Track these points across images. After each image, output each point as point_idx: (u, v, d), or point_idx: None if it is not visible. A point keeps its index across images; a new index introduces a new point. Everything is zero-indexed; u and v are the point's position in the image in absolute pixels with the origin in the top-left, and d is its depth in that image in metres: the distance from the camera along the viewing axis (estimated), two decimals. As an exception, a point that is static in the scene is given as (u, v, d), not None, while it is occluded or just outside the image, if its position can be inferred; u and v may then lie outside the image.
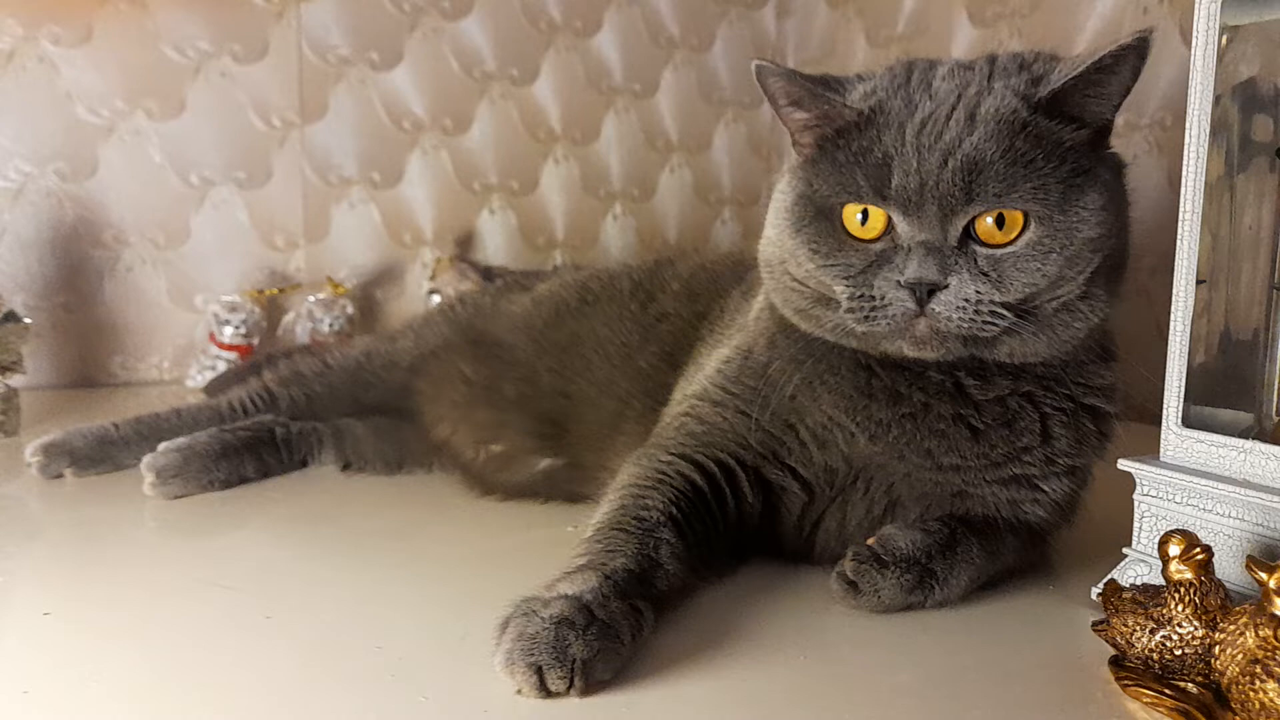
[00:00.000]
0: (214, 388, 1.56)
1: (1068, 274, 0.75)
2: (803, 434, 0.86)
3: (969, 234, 0.75)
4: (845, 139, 0.79)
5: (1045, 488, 0.84)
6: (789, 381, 0.85)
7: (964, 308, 0.74)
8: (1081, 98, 0.76)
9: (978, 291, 0.74)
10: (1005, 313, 0.74)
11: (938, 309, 0.74)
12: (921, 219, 0.75)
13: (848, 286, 0.78)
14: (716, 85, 2.28)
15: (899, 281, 0.75)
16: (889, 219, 0.77)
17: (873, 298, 0.76)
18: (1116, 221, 0.77)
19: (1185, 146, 0.76)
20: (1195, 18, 0.76)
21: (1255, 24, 0.77)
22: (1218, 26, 0.75)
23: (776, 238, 0.84)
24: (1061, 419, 0.82)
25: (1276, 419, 0.78)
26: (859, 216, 0.77)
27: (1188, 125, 0.76)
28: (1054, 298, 0.76)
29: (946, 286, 0.74)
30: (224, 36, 1.83)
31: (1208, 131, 0.75)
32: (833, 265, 0.78)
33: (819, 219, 0.80)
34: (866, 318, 0.77)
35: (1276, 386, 0.78)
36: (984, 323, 0.74)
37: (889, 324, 0.76)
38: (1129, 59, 0.75)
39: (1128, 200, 0.81)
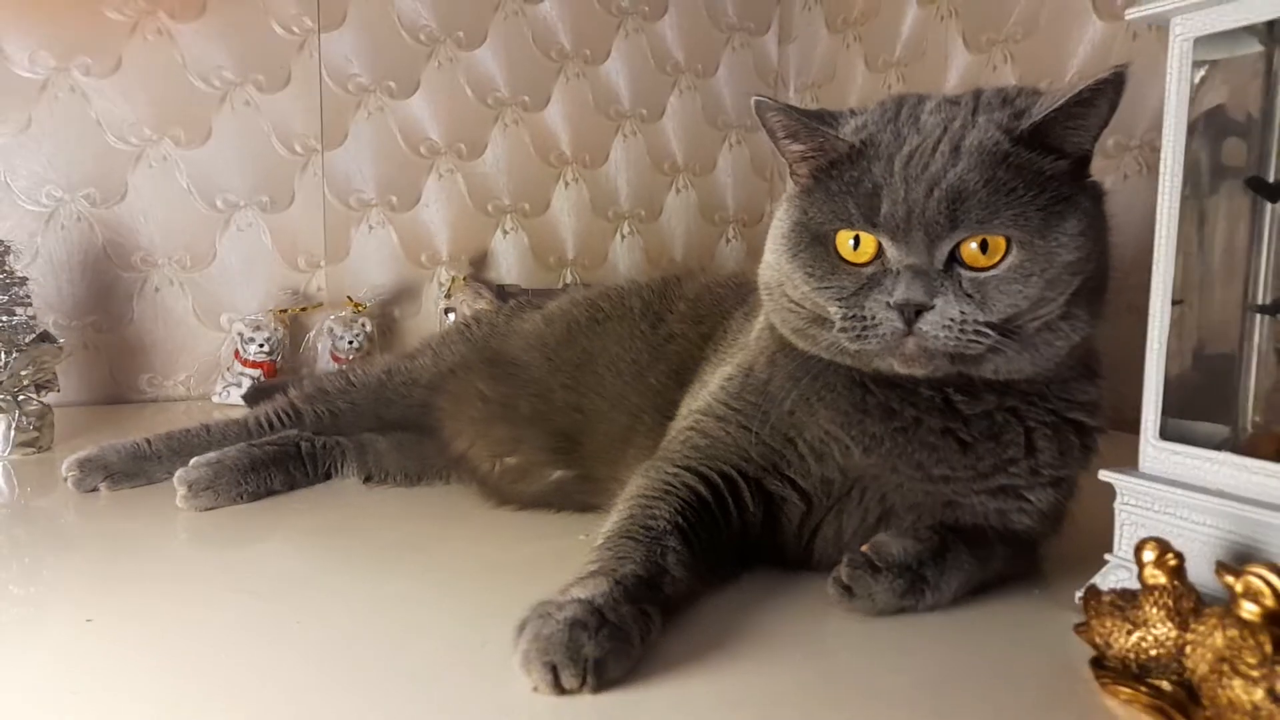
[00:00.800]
0: (252, 396, 1.62)
1: (1048, 295, 0.79)
2: (801, 447, 0.90)
3: (954, 258, 0.79)
4: (838, 170, 0.83)
5: (1031, 498, 0.88)
6: (787, 397, 0.90)
7: (949, 327, 0.78)
8: (1061, 130, 0.80)
9: (962, 312, 0.78)
10: (989, 332, 0.78)
11: (924, 328, 0.78)
12: (909, 244, 0.79)
13: (840, 307, 0.82)
14: (720, 109, 2.33)
15: (888, 303, 0.79)
16: (879, 244, 0.81)
17: (864, 318, 0.80)
18: (1095, 246, 0.81)
19: (1160, 174, 0.81)
20: (1169, 54, 0.80)
21: (1226, 59, 0.81)
22: (1190, 63, 0.79)
23: (775, 262, 0.89)
24: (1045, 433, 0.86)
25: (1251, 431, 0.82)
26: (851, 242, 0.82)
27: (1162, 154, 0.80)
28: (1035, 318, 0.80)
29: (933, 307, 0.78)
30: (248, 66, 1.90)
31: (1182, 160, 0.80)
32: (827, 288, 0.83)
33: (814, 244, 0.84)
34: (858, 336, 0.81)
35: (1251, 400, 0.83)
36: (969, 341, 0.78)
37: (879, 342, 0.80)
38: (1106, 93, 0.79)
39: (1107, 226, 0.85)
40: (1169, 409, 0.82)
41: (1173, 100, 0.80)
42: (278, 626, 0.82)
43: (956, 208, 0.78)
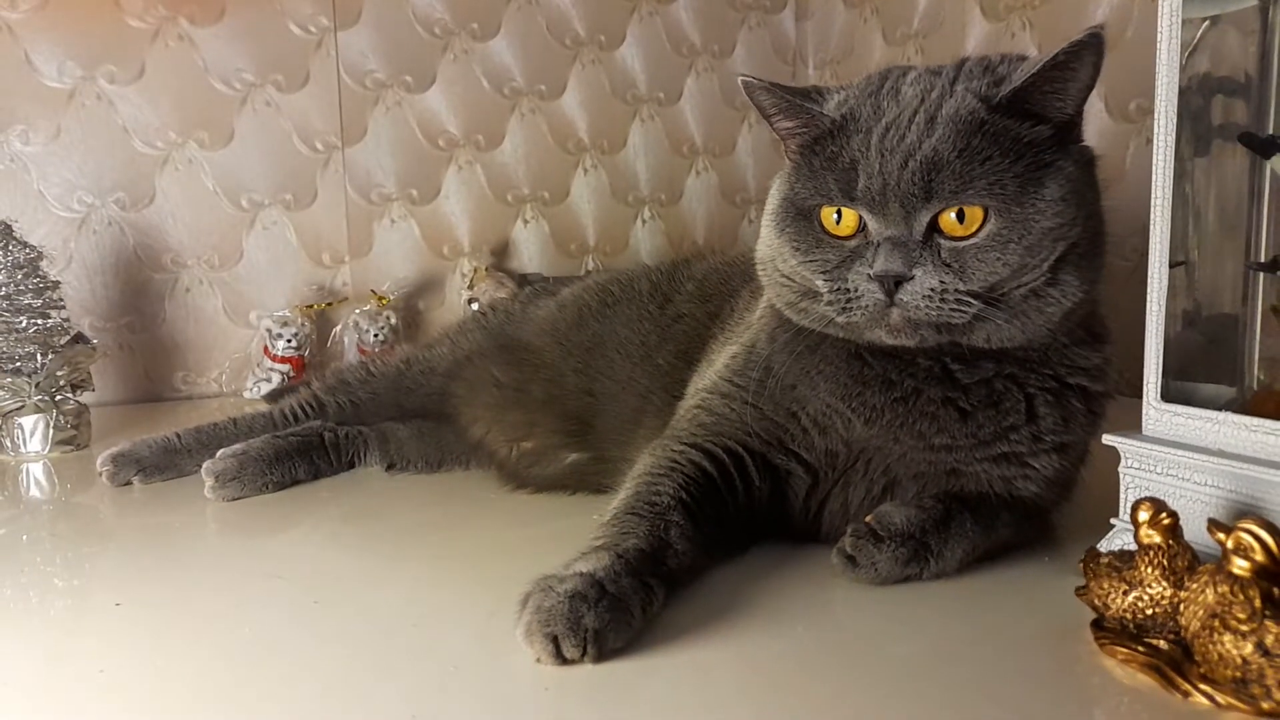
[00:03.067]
0: (273, 397, 1.65)
1: (1029, 262, 0.79)
2: (804, 421, 0.91)
3: (934, 228, 0.80)
4: (821, 145, 0.84)
5: (1035, 464, 0.88)
6: (789, 372, 0.91)
7: (930, 296, 0.79)
8: (1041, 96, 0.80)
9: (942, 281, 0.79)
10: (971, 300, 0.79)
11: (905, 298, 0.79)
12: (887, 217, 0.80)
13: (826, 280, 0.83)
14: (738, 89, 2.31)
15: (869, 274, 0.80)
16: (860, 218, 0.82)
17: (848, 290, 0.81)
18: (1080, 211, 0.81)
19: (1154, 134, 0.80)
20: (1159, 12, 0.80)
21: (1222, 14, 0.80)
22: (1180, 19, 0.78)
23: (767, 237, 0.90)
24: (1046, 398, 0.86)
25: (1255, 391, 0.81)
26: (834, 216, 0.83)
27: (1156, 114, 0.80)
28: (1019, 285, 0.80)
29: (912, 278, 0.79)
30: (267, 68, 1.93)
31: (1175, 119, 0.79)
32: (812, 261, 0.84)
33: (799, 219, 0.86)
34: (844, 309, 0.82)
35: (1256, 360, 0.82)
36: (951, 310, 0.79)
37: (864, 314, 0.81)
38: (1083, 56, 0.79)
39: (1098, 190, 0.85)
40: (1171, 371, 0.82)
41: (1164, 57, 0.79)
42: (300, 605, 0.86)
43: (931, 178, 0.78)
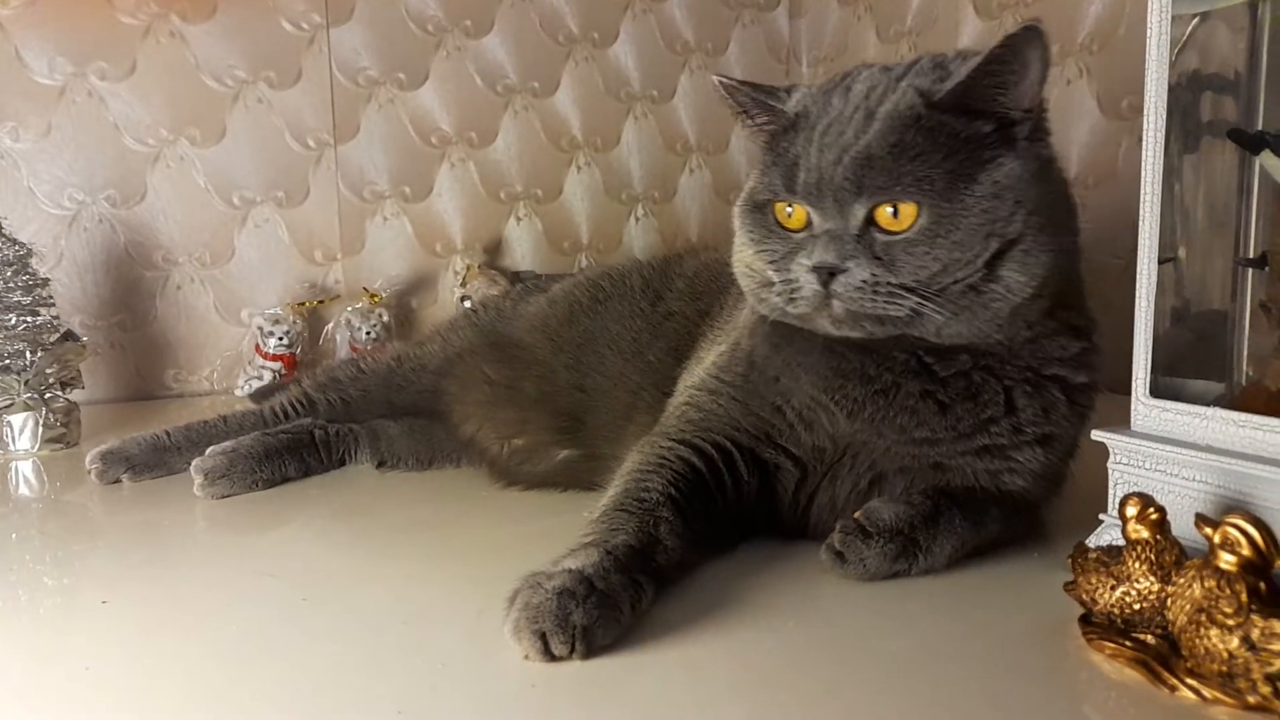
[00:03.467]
0: (259, 396, 1.65)
1: (959, 258, 0.80)
2: (790, 415, 0.92)
3: (871, 222, 0.82)
4: (777, 141, 0.87)
5: (1018, 457, 0.88)
6: (770, 364, 0.92)
7: (862, 289, 0.80)
8: (981, 91, 0.80)
9: (873, 274, 0.80)
10: (905, 294, 0.80)
11: (838, 289, 0.81)
12: (824, 211, 0.82)
13: (775, 271, 0.86)
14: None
15: (808, 266, 0.82)
16: (808, 212, 0.84)
17: (791, 280, 0.84)
18: (1018, 209, 0.80)
19: (1144, 131, 0.80)
20: (1149, 8, 0.80)
21: (1212, 11, 0.80)
22: (1170, 15, 0.79)
23: (735, 230, 0.93)
24: (1025, 390, 0.87)
25: (1243, 387, 0.81)
26: (787, 210, 0.86)
27: (1145, 111, 0.80)
28: (954, 280, 0.81)
29: (846, 270, 0.81)
30: (259, 64, 1.93)
31: (1164, 116, 0.79)
32: (763, 251, 0.87)
33: (756, 212, 0.89)
34: (790, 299, 0.84)
35: (1245, 356, 0.82)
36: (885, 303, 0.81)
37: (805, 304, 0.83)
38: (1019, 50, 0.79)
39: (1055, 188, 0.84)
40: (1160, 367, 0.82)
41: (1153, 54, 0.79)
42: (290, 603, 0.86)
43: (862, 174, 0.80)
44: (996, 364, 0.86)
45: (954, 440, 0.87)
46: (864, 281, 0.80)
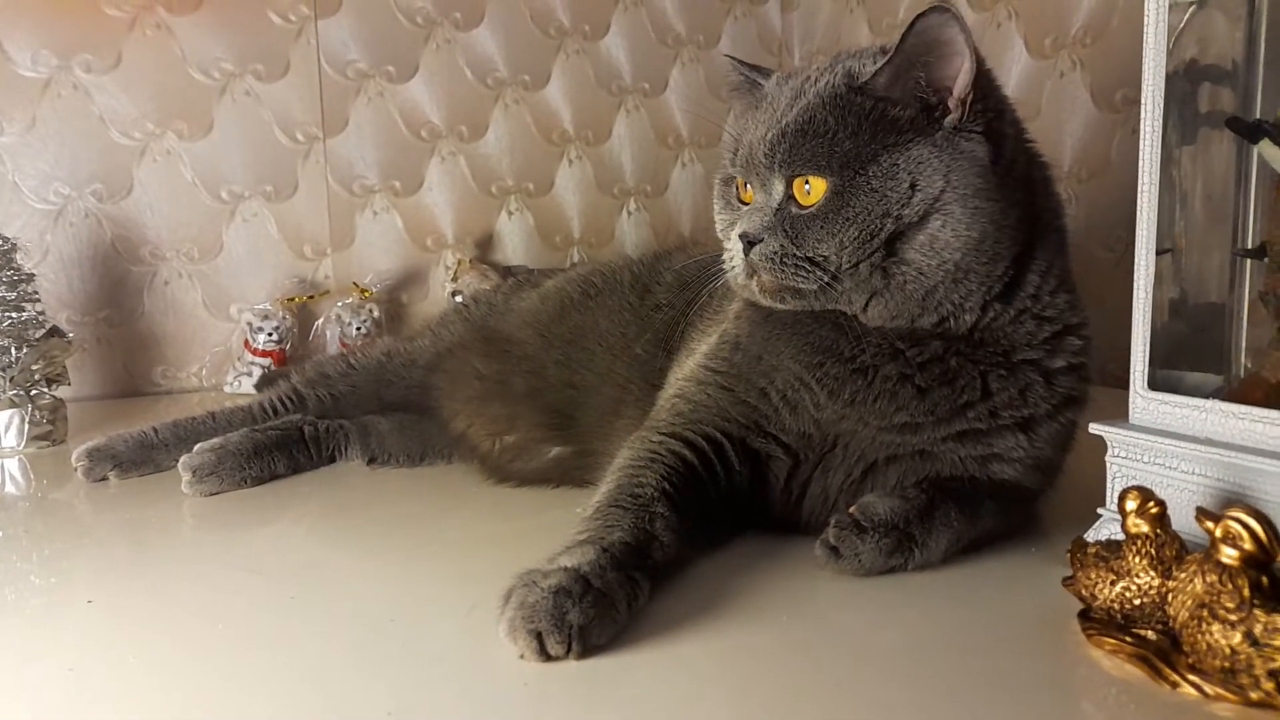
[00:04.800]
0: (263, 384, 1.65)
1: (854, 235, 0.82)
2: (774, 398, 0.92)
3: (791, 197, 0.85)
4: (745, 119, 0.92)
5: (1000, 443, 0.88)
6: (753, 340, 0.94)
7: (772, 259, 0.84)
8: (901, 76, 0.82)
9: (781, 246, 0.84)
10: (810, 268, 0.84)
11: (754, 258, 0.86)
12: (751, 184, 0.89)
13: (723, 238, 0.92)
14: (724, 80, 2.30)
15: (735, 235, 0.87)
16: None
17: (729, 248, 0.89)
18: (920, 195, 0.81)
19: (1141, 121, 0.79)
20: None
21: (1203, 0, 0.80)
22: (1167, 4, 0.78)
23: None
24: (999, 374, 0.87)
25: (1242, 379, 0.80)
26: (745, 185, 0.91)
27: (1143, 100, 0.79)
28: (856, 258, 0.83)
29: (762, 240, 0.85)
30: (247, 57, 1.90)
31: (1162, 106, 0.78)
32: (721, 218, 0.94)
33: (724, 185, 0.95)
34: (731, 266, 0.89)
35: (1243, 348, 0.81)
36: (794, 274, 0.84)
37: (737, 272, 0.88)
38: (929, 30, 0.80)
39: (981, 178, 0.82)
40: (1158, 359, 0.81)
41: (1151, 43, 0.78)
42: (277, 601, 0.85)
43: (775, 150, 0.85)
44: (968, 349, 0.87)
45: (934, 425, 0.88)
46: (774, 252, 0.84)
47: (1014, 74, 1.77)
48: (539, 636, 0.68)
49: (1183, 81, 0.80)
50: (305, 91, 1.95)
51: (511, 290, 1.39)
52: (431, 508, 1.13)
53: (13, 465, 1.38)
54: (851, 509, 0.84)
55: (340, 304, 1.94)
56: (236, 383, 1.84)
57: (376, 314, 1.94)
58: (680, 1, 2.25)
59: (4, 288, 1.44)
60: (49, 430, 1.46)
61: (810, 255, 0.83)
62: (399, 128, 2.03)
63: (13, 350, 1.43)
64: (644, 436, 0.93)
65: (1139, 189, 0.80)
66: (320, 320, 1.96)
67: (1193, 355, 0.82)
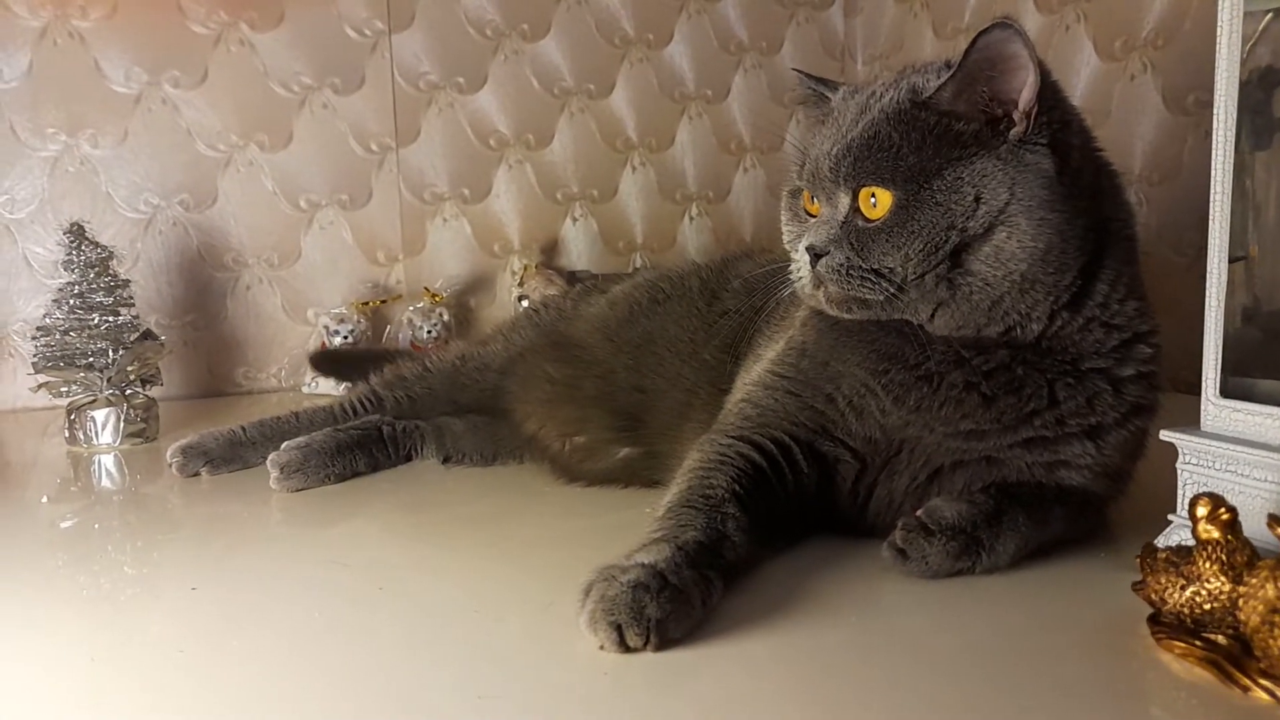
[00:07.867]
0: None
1: (919, 247, 0.83)
2: (841, 404, 0.94)
3: (858, 210, 0.86)
4: (814, 132, 0.94)
5: (1067, 450, 0.89)
6: (819, 348, 0.96)
7: (838, 271, 0.86)
8: (965, 90, 0.83)
9: (847, 258, 0.85)
10: (876, 280, 0.85)
11: (820, 270, 0.87)
12: (818, 197, 0.90)
13: (792, 250, 0.93)
14: (786, 86, 2.32)
15: (802, 248, 0.88)
16: None
17: (796, 260, 0.91)
18: (985, 208, 0.82)
19: (1214, 128, 0.80)
20: (1220, 5, 0.79)
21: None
22: (1242, 11, 0.78)
23: None
24: (1067, 382, 0.88)
25: (1317, 387, 0.80)
26: (813, 198, 0.92)
27: (1215, 108, 0.79)
28: (921, 270, 0.84)
29: (828, 253, 0.86)
30: (324, 71, 1.98)
31: (1235, 113, 0.78)
32: (787, 232, 0.96)
33: (792, 198, 0.96)
34: (798, 277, 0.90)
35: (1318, 356, 0.81)
36: (860, 285, 0.85)
37: (804, 283, 0.90)
38: (992, 45, 0.81)
39: (1047, 191, 0.83)
40: (1230, 367, 0.81)
41: (1224, 51, 0.78)
42: (363, 592, 0.89)
43: (840, 164, 0.86)
44: (1035, 357, 0.88)
45: (1000, 433, 0.88)
46: (840, 264, 0.86)
47: (1083, 77, 1.76)
48: (619, 629, 0.71)
49: (1256, 89, 0.80)
50: (379, 103, 2.02)
51: (580, 296, 1.42)
52: (505, 506, 1.17)
53: (109, 461, 1.45)
54: (918, 512, 0.85)
55: (412, 308, 2.00)
56: (314, 383, 1.91)
57: (446, 318, 2.00)
58: (743, 8, 2.27)
59: (102, 293, 1.52)
60: (143, 428, 1.54)
61: (876, 267, 0.85)
62: (468, 137, 2.09)
63: (110, 352, 1.50)
64: (713, 439, 0.95)
65: (1211, 197, 0.80)
66: (393, 324, 2.02)
67: (1266, 362, 0.82)
